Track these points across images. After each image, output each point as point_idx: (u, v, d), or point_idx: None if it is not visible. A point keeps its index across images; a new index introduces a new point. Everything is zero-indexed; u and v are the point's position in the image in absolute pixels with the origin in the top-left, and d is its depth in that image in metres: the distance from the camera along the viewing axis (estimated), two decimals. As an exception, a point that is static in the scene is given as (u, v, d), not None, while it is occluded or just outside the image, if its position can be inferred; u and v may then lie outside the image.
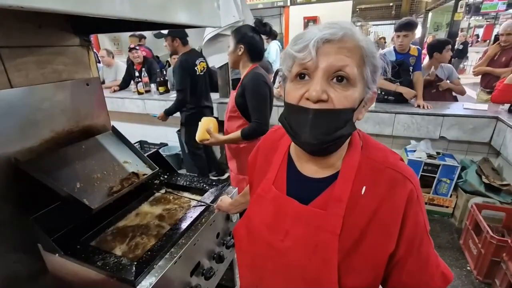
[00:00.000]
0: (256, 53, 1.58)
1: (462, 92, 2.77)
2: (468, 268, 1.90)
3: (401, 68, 2.48)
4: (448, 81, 2.76)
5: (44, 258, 0.92)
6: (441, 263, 0.58)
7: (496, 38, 2.96)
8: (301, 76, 0.51)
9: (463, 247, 2.06)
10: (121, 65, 4.07)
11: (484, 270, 1.74)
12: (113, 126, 1.24)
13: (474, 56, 8.53)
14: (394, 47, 2.49)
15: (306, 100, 0.50)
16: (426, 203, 2.43)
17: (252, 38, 1.54)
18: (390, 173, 0.55)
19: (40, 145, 0.98)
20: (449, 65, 2.80)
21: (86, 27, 1.08)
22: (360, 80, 0.50)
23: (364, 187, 0.54)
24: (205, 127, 1.57)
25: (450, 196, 2.35)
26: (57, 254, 0.86)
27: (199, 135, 1.59)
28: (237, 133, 1.55)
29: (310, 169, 0.60)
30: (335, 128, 0.50)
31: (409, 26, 2.35)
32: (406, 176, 0.54)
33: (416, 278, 0.55)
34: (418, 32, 8.70)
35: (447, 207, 2.40)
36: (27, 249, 0.94)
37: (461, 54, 8.07)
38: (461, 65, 8.63)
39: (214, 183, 1.27)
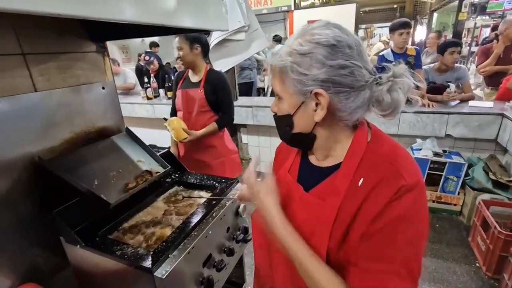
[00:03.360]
0: (207, 51, 1.89)
1: (470, 98, 2.64)
2: (477, 264, 1.89)
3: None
4: (454, 86, 2.64)
5: (66, 251, 0.98)
6: (411, 261, 0.51)
7: (497, 36, 2.95)
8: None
9: (472, 244, 2.06)
10: (128, 71, 4.19)
11: (493, 266, 1.74)
12: (127, 128, 1.30)
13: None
14: (391, 48, 2.56)
15: None
16: (433, 201, 2.43)
17: (203, 37, 1.81)
18: (387, 167, 0.54)
19: (60, 144, 1.04)
20: (462, 66, 2.69)
21: (101, 34, 1.15)
22: (286, 91, 0.60)
23: (361, 179, 0.55)
24: (180, 126, 1.73)
25: (458, 194, 2.35)
26: (78, 246, 0.92)
27: (179, 136, 1.72)
28: (212, 126, 1.86)
29: (312, 158, 0.68)
30: (283, 129, 0.64)
31: (409, 24, 2.42)
32: (401, 172, 0.53)
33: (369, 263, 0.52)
34: (423, 33, 8.67)
35: (455, 204, 2.40)
36: (49, 243, 1.00)
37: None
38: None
39: (223, 180, 1.32)
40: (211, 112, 1.91)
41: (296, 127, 0.62)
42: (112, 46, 6.43)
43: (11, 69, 0.88)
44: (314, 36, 0.53)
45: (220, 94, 1.88)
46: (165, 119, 1.81)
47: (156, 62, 3.87)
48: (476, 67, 3.41)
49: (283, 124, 0.63)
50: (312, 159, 0.69)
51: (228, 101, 1.93)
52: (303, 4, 6.64)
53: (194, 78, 1.90)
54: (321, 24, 0.56)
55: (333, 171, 0.61)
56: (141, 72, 4.18)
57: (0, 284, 0.89)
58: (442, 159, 2.29)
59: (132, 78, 4.05)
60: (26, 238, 0.96)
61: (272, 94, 3.87)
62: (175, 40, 1.76)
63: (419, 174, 0.56)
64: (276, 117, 0.65)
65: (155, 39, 5.40)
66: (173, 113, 2.05)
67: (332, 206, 0.57)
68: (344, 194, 0.56)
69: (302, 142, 0.65)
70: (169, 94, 3.48)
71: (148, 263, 0.81)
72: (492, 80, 3.09)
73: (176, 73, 2.04)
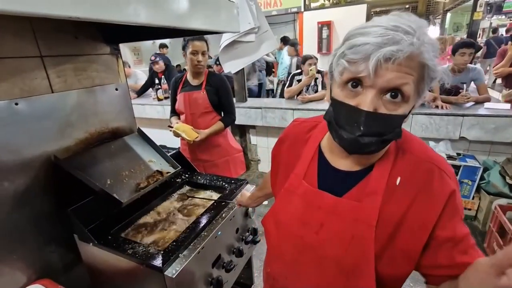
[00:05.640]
0: None
1: (486, 100, 2.50)
2: (493, 271, 1.83)
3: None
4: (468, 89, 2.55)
5: (79, 248, 1.00)
6: (477, 250, 0.55)
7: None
8: (353, 84, 0.49)
9: (487, 250, 1.99)
10: (139, 73, 4.26)
11: (510, 273, 1.68)
12: (138, 128, 1.32)
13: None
14: None
15: None
16: (447, 206, 2.38)
17: None
18: (427, 166, 0.55)
19: (75, 144, 1.07)
20: (478, 67, 2.59)
21: (115, 37, 1.17)
22: (415, 95, 0.49)
23: (399, 178, 0.55)
24: (189, 127, 1.78)
25: (473, 198, 2.29)
26: (91, 244, 0.94)
27: (191, 135, 1.76)
28: (218, 125, 1.91)
29: (345, 164, 0.61)
30: (384, 132, 0.49)
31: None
32: (442, 169, 0.54)
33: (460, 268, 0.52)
34: (436, 33, 8.50)
35: (469, 209, 2.33)
36: (63, 240, 1.03)
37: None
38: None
39: (232, 181, 1.32)
40: (214, 112, 1.96)
41: (397, 133, 0.52)
42: (124, 48, 6.56)
43: (29, 71, 0.91)
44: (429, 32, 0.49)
45: (222, 95, 1.94)
46: (171, 127, 1.85)
47: (161, 63, 3.92)
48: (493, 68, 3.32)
49: (391, 125, 0.50)
50: (340, 164, 0.61)
51: (230, 102, 1.99)
52: (313, 5, 6.61)
53: (194, 82, 1.95)
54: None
55: (366, 174, 0.58)
56: (153, 74, 4.25)
57: (17, 278, 0.91)
58: (456, 162, 2.23)
59: (143, 80, 4.12)
60: (42, 235, 0.98)
61: (282, 95, 3.84)
62: (196, 43, 1.78)
63: (449, 165, 0.57)
64: (393, 117, 0.48)
65: (166, 40, 5.48)
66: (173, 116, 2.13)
67: (372, 206, 0.55)
68: (382, 194, 0.54)
69: (378, 149, 0.54)
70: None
71: (158, 262, 0.82)
72: (511, 81, 3.01)
73: (174, 78, 2.08)
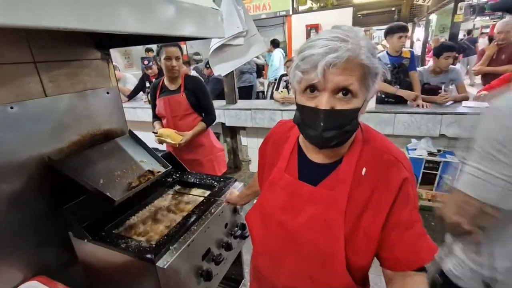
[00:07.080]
0: None
1: (464, 99, 2.64)
2: (471, 261, 1.93)
3: (400, 70, 2.57)
4: (448, 88, 2.68)
5: (74, 246, 1.04)
6: (427, 237, 0.63)
7: (491, 39, 3.01)
8: (310, 89, 0.58)
9: (466, 241, 2.09)
10: (128, 77, 4.24)
11: (486, 261, 1.78)
12: (130, 130, 1.37)
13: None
14: (386, 51, 2.60)
15: None
16: (429, 200, 2.48)
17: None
18: (386, 157, 0.64)
19: (68, 146, 1.11)
20: (456, 68, 2.71)
21: (106, 42, 1.22)
22: (362, 90, 0.57)
23: (364, 169, 0.64)
24: (172, 131, 1.84)
25: (453, 193, 2.39)
26: (86, 240, 0.98)
27: (176, 139, 1.83)
28: (200, 126, 1.99)
29: (319, 158, 0.70)
30: (342, 125, 0.58)
31: (407, 28, 2.48)
32: (399, 160, 0.63)
33: (408, 252, 0.62)
34: (421, 34, 8.75)
35: (450, 203, 2.43)
36: (58, 239, 1.06)
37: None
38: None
39: (221, 179, 1.38)
40: (195, 114, 2.03)
41: (355, 124, 0.60)
42: (115, 52, 6.52)
43: (23, 76, 0.96)
44: (372, 41, 0.62)
45: (200, 96, 2.01)
46: (155, 133, 1.89)
47: (155, 68, 3.95)
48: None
49: (348, 118, 0.58)
50: (315, 157, 0.70)
51: (209, 102, 2.06)
52: (301, 8, 6.74)
53: (172, 86, 2.00)
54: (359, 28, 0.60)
55: (336, 166, 0.67)
56: (144, 77, 4.26)
57: (14, 276, 0.95)
58: (437, 159, 2.34)
59: (132, 84, 4.11)
60: (37, 234, 1.02)
61: (272, 97, 3.93)
62: (169, 49, 1.82)
63: (405, 156, 0.66)
64: (346, 111, 0.57)
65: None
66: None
67: (342, 193, 0.63)
68: (350, 182, 0.63)
69: (342, 142, 0.62)
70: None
71: (151, 254, 0.87)
72: (488, 81, 3.14)
73: (152, 84, 2.13)
